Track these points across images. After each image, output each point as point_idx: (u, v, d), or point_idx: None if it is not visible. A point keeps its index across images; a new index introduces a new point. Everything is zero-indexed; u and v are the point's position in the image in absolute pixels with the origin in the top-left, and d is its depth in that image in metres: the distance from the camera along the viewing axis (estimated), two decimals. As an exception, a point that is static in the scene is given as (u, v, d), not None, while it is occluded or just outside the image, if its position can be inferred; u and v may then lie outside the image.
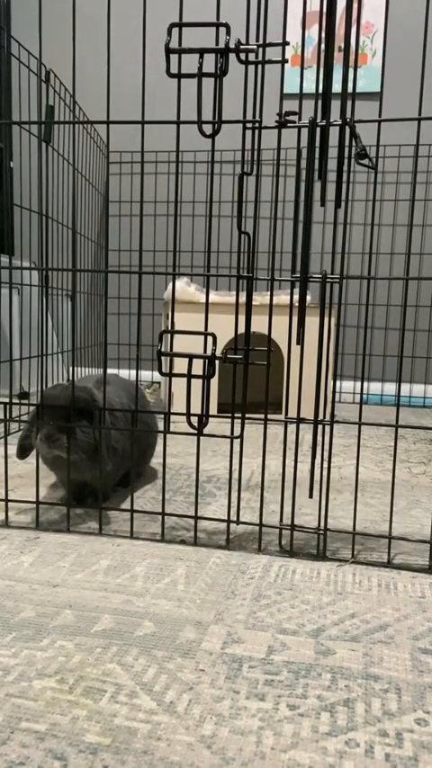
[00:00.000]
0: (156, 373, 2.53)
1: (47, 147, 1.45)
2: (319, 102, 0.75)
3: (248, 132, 0.80)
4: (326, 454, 1.35)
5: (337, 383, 2.46)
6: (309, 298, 1.76)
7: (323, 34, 0.74)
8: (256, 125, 0.80)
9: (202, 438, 0.86)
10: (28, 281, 1.95)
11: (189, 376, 0.81)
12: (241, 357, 0.83)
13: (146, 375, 2.55)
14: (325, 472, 1.11)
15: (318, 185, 0.76)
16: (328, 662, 0.60)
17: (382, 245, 2.45)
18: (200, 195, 2.48)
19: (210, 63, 0.73)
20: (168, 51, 0.73)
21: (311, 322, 0.81)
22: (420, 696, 0.55)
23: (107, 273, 0.87)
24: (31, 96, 1.55)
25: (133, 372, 2.57)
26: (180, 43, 0.73)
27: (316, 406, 0.82)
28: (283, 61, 0.77)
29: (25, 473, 1.20)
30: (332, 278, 0.78)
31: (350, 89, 0.76)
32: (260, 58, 0.77)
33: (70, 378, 2.21)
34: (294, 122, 0.78)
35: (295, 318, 0.81)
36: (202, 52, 0.74)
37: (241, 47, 0.74)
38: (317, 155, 0.76)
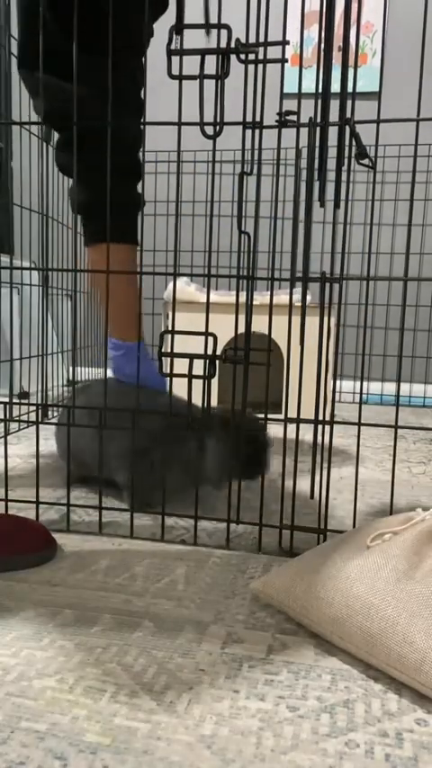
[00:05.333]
0: (156, 373, 2.52)
1: (47, 147, 1.44)
2: (319, 102, 0.75)
3: (248, 132, 0.80)
4: (326, 454, 1.35)
5: (337, 383, 2.46)
6: (309, 297, 1.76)
7: (322, 33, 0.74)
8: (257, 125, 0.80)
9: (202, 438, 0.86)
10: (28, 281, 1.95)
11: (190, 376, 0.81)
12: (241, 357, 0.83)
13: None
14: (325, 472, 1.12)
15: (317, 185, 0.76)
16: (328, 663, 0.60)
17: (382, 245, 2.45)
18: (200, 195, 2.48)
19: (210, 63, 0.73)
20: (170, 53, 0.73)
21: (311, 322, 0.81)
22: (420, 696, 0.55)
23: (108, 273, 0.87)
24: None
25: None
26: (181, 45, 0.73)
27: (316, 405, 0.82)
28: (283, 60, 0.77)
29: (25, 473, 1.20)
30: (332, 278, 0.78)
31: (350, 89, 0.76)
32: (260, 58, 0.77)
33: (70, 378, 2.21)
34: (294, 122, 0.78)
35: (295, 318, 0.81)
36: (203, 54, 0.74)
37: (242, 47, 0.74)
38: (317, 155, 0.76)
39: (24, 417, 1.74)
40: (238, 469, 0.95)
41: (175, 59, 0.73)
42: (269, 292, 0.84)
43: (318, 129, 0.76)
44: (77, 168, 0.87)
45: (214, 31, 0.74)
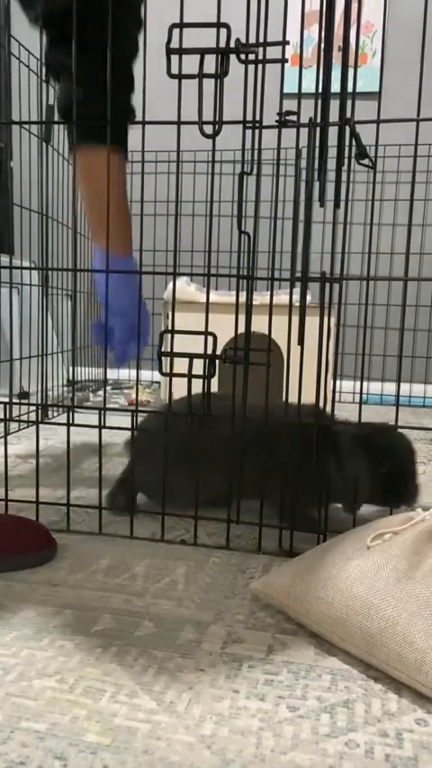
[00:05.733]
0: (156, 373, 2.53)
1: (47, 147, 1.45)
2: (319, 102, 0.75)
3: (248, 132, 0.80)
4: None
5: (337, 383, 2.46)
6: (309, 297, 1.76)
7: (322, 33, 0.74)
8: (257, 125, 0.80)
9: (202, 438, 0.86)
10: (28, 280, 1.95)
11: (189, 376, 0.81)
12: (241, 357, 0.83)
13: (146, 375, 2.55)
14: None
15: (317, 185, 0.76)
16: (328, 663, 0.60)
17: (382, 245, 2.45)
18: (200, 195, 2.48)
19: (210, 63, 0.73)
20: (169, 52, 0.73)
21: (311, 322, 0.81)
22: (420, 696, 0.55)
23: (108, 273, 0.87)
24: (31, 96, 1.55)
25: (133, 372, 2.57)
26: (180, 44, 0.73)
27: (316, 405, 0.82)
28: (283, 60, 0.77)
29: (25, 473, 1.20)
30: (332, 278, 0.78)
31: (350, 89, 0.76)
32: (260, 58, 0.77)
33: (71, 378, 2.21)
34: (294, 122, 0.78)
35: (295, 318, 0.81)
36: (202, 53, 0.74)
37: (242, 47, 0.74)
38: (316, 155, 0.76)
39: (24, 417, 1.74)
40: (379, 493, 0.90)
41: (175, 58, 0.73)
42: (269, 292, 0.84)
43: (318, 129, 0.76)
44: (69, 68, 0.86)
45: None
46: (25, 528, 0.81)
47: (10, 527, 0.80)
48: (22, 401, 1.73)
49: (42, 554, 0.79)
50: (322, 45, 0.75)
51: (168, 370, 0.83)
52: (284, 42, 0.77)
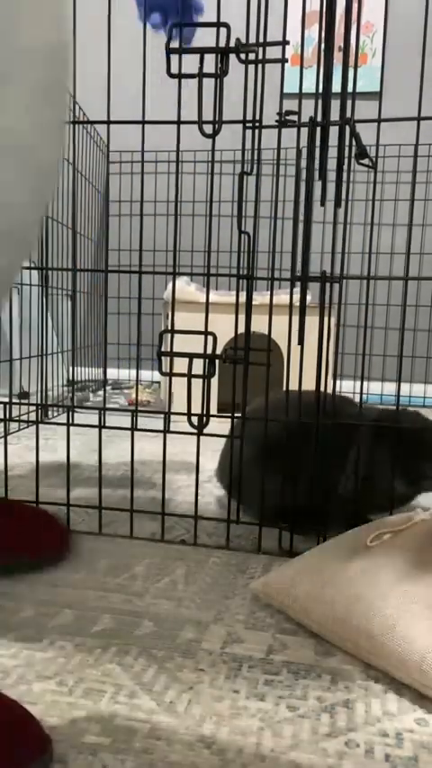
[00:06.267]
0: (156, 373, 2.53)
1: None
2: (319, 102, 0.75)
3: (248, 132, 0.80)
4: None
5: (337, 383, 2.46)
6: (309, 297, 1.76)
7: (323, 33, 0.74)
8: (256, 124, 0.80)
9: (201, 438, 0.86)
10: (28, 280, 1.95)
11: (189, 376, 0.81)
12: (241, 357, 0.83)
13: (146, 375, 2.55)
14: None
15: (318, 185, 0.76)
16: (328, 663, 0.60)
17: (382, 245, 2.45)
18: (200, 195, 2.48)
19: (210, 63, 0.73)
20: (169, 51, 0.73)
21: (311, 322, 0.81)
22: (420, 696, 0.55)
23: (107, 273, 0.87)
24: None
25: (133, 372, 2.57)
26: (180, 43, 0.73)
27: (317, 405, 0.82)
28: (283, 60, 0.77)
29: (25, 473, 1.20)
30: (332, 278, 0.78)
31: (350, 89, 0.76)
32: (260, 58, 0.77)
33: (70, 377, 2.21)
34: (294, 122, 0.78)
35: (296, 318, 0.81)
36: (202, 52, 0.74)
37: (242, 46, 0.74)
38: (317, 154, 0.76)
39: (24, 417, 1.74)
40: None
41: (174, 58, 0.73)
42: (269, 292, 0.84)
43: (318, 128, 0.76)
44: None
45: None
46: (42, 527, 0.80)
47: (28, 524, 0.79)
48: (22, 401, 1.73)
49: (62, 555, 0.79)
50: (322, 45, 0.75)
51: (168, 370, 0.83)
52: (284, 42, 0.77)
